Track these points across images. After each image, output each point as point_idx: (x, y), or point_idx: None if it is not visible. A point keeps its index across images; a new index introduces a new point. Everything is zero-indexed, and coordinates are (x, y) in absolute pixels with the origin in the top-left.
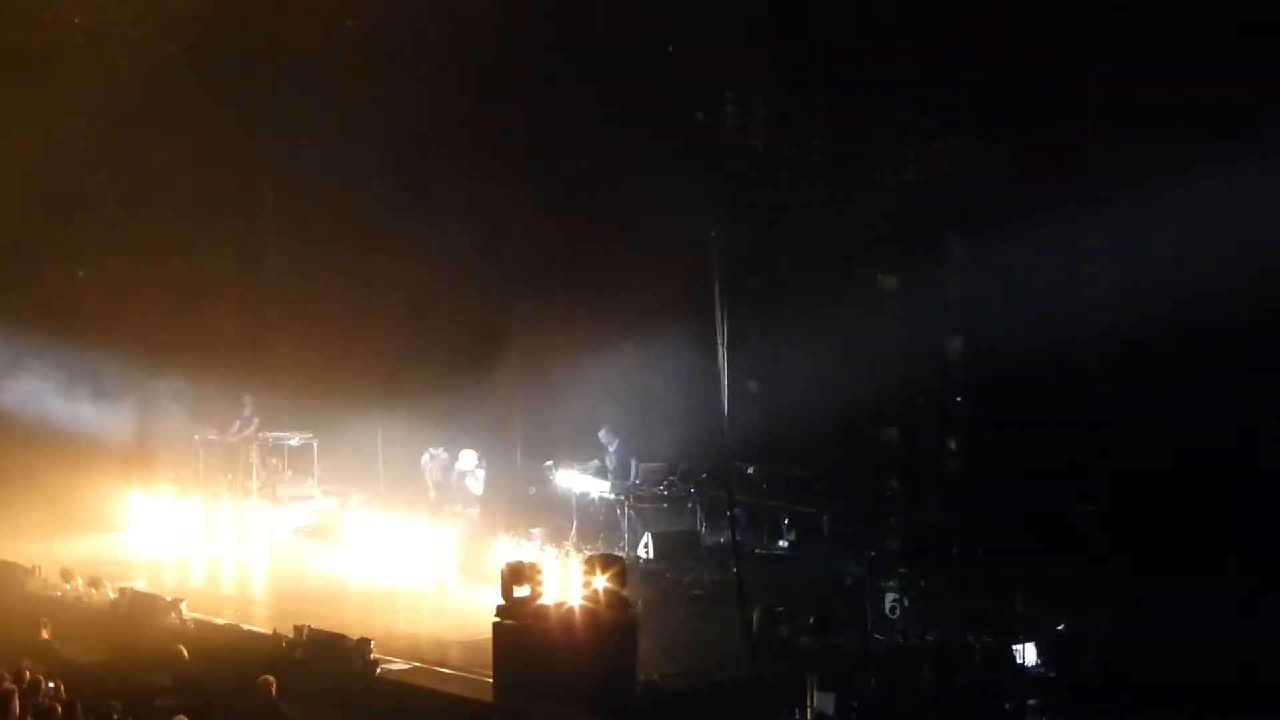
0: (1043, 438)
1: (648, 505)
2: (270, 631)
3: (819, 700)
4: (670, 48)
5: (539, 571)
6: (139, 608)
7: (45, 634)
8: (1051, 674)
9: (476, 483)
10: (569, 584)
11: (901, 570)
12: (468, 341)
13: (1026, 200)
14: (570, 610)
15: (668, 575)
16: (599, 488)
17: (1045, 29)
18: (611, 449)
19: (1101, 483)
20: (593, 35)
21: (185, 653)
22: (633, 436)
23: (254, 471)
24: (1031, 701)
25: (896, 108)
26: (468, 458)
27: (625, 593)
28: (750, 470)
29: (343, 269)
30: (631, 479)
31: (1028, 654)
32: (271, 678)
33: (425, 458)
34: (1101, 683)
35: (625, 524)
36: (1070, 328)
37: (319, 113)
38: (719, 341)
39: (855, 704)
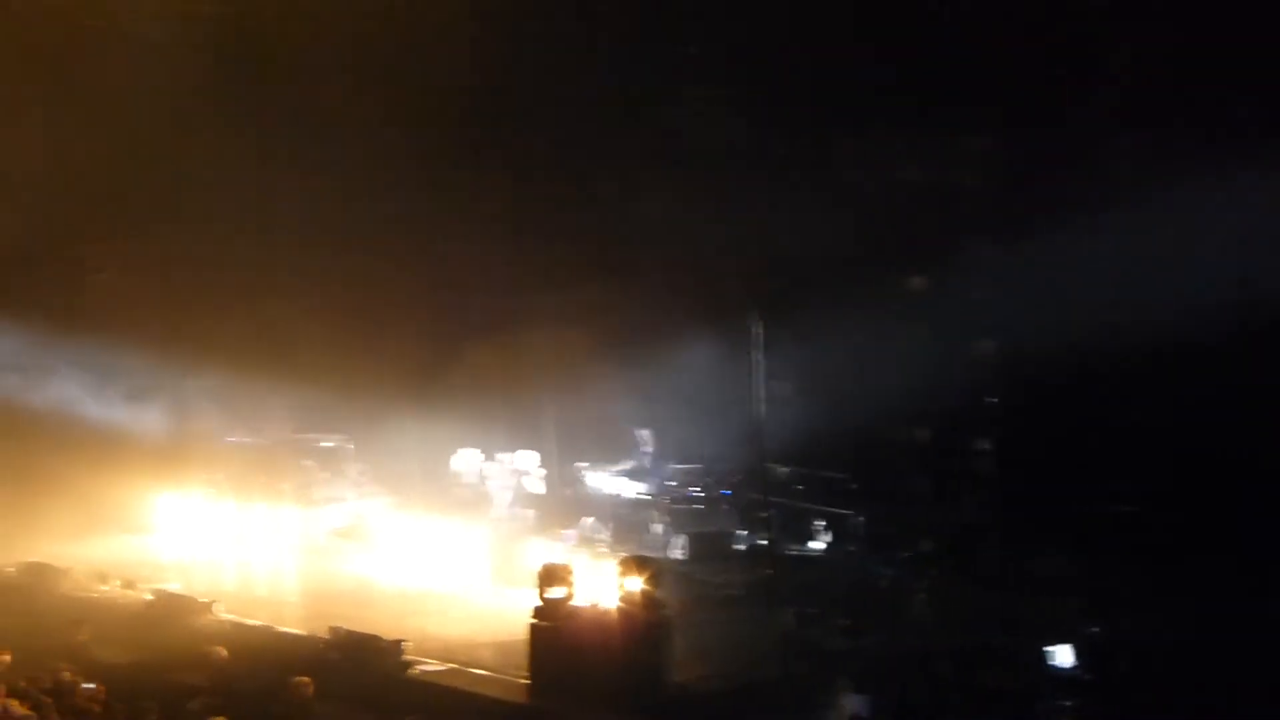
0: (1075, 438)
1: (681, 506)
2: (305, 633)
3: (851, 702)
4: (694, 47)
5: (573, 573)
6: (173, 609)
7: (82, 635)
8: (1085, 676)
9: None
10: (603, 585)
11: (933, 572)
12: (501, 342)
13: (1057, 201)
14: (604, 611)
15: (701, 577)
16: (633, 489)
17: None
18: (648, 450)
19: (1134, 483)
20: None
21: (224, 653)
22: (667, 438)
23: (288, 474)
24: (1065, 703)
25: (926, 107)
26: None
27: (659, 594)
28: (783, 472)
29: (376, 269)
30: (666, 480)
31: (1061, 656)
32: (306, 679)
33: (458, 459)
34: (1135, 685)
35: (659, 525)
36: (1102, 327)
37: (351, 111)
38: (752, 343)
39: (887, 706)
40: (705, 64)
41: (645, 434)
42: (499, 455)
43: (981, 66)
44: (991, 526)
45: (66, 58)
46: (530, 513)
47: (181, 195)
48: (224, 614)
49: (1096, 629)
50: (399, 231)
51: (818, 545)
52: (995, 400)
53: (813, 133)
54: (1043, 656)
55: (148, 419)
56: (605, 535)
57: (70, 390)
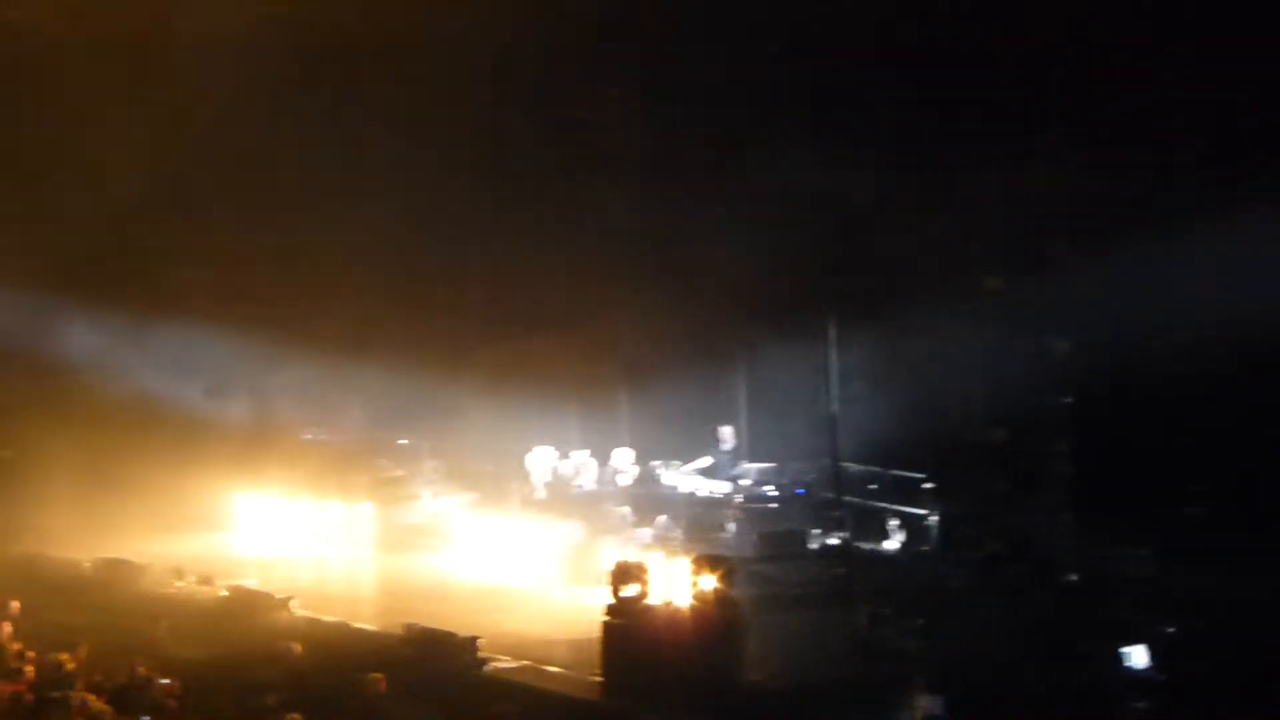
0: (1150, 439)
1: (755, 505)
2: (379, 629)
3: (926, 702)
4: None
5: (646, 571)
6: (249, 605)
7: (158, 631)
8: (1161, 676)
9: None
10: (676, 584)
11: (1008, 572)
12: (574, 339)
13: (1134, 202)
14: (678, 610)
15: (774, 575)
16: (707, 487)
17: (1155, 34)
18: (726, 448)
19: (1210, 484)
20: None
21: (298, 649)
22: (742, 436)
23: (364, 471)
24: (1140, 704)
25: (1004, 108)
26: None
27: (732, 593)
28: (857, 470)
29: (452, 265)
30: (740, 479)
31: (1137, 656)
32: (379, 675)
33: (533, 457)
34: (1211, 686)
35: (733, 524)
36: (1178, 328)
37: (433, 109)
38: (827, 343)
39: (961, 706)
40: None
41: (726, 431)
42: (573, 453)
43: (1059, 63)
44: (1067, 527)
45: (153, 52)
46: (623, 510)
47: (264, 192)
48: (299, 610)
49: (1172, 629)
50: (474, 228)
51: (891, 545)
52: (1071, 400)
53: (889, 130)
54: (1118, 657)
55: (227, 416)
56: (679, 533)
57: (151, 386)
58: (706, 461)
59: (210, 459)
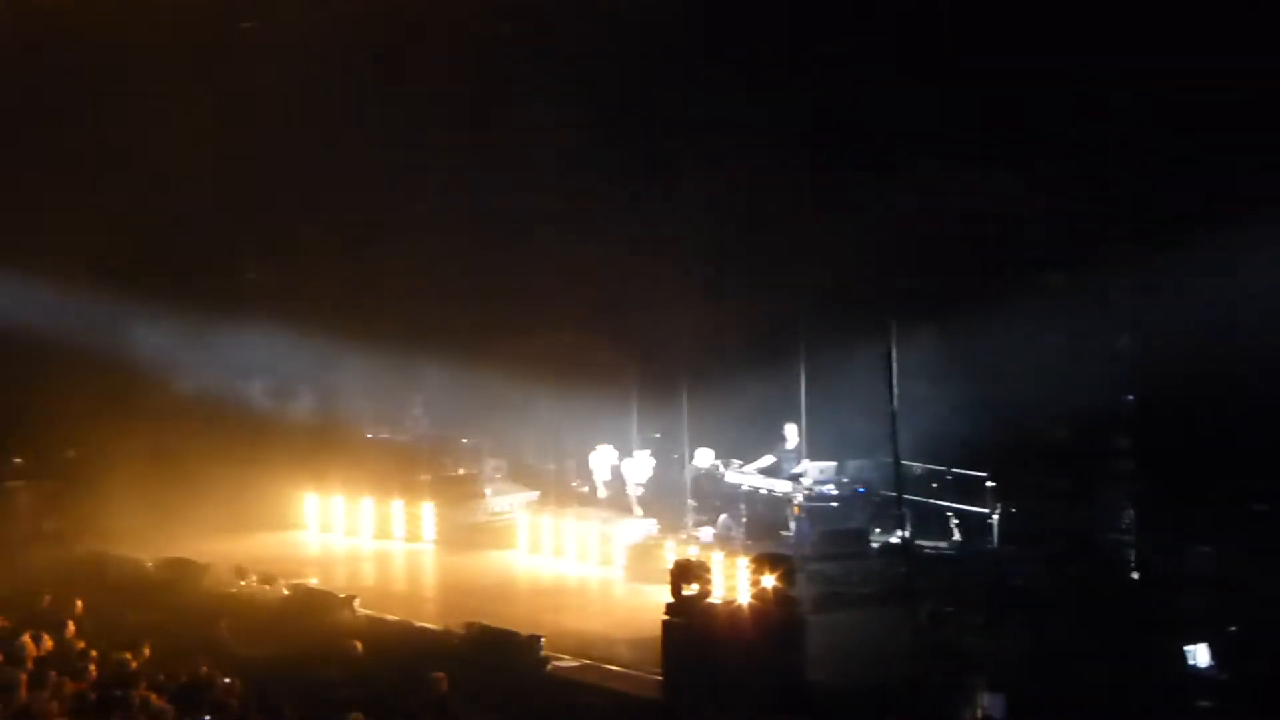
0: (1215, 436)
1: (817, 503)
2: (441, 628)
3: (988, 701)
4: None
5: (707, 570)
6: (311, 604)
7: (220, 630)
8: (1223, 675)
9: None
10: (737, 582)
11: (1071, 570)
12: (635, 338)
13: (1198, 196)
14: (739, 609)
15: (836, 574)
16: (768, 485)
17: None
18: (788, 447)
19: (1276, 481)
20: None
21: (360, 648)
22: (803, 435)
23: (427, 470)
24: (1203, 703)
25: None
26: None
27: (793, 591)
28: (919, 469)
29: (514, 266)
30: (801, 477)
31: (1200, 655)
32: (442, 674)
33: (594, 455)
34: (1275, 684)
35: (794, 522)
36: (1243, 322)
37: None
38: (888, 341)
39: (1025, 706)
40: (873, 58)
41: (790, 429)
42: (635, 451)
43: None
44: (1129, 525)
45: (216, 47)
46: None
47: (330, 193)
48: (361, 609)
49: (1235, 628)
50: (537, 225)
51: (953, 543)
52: (1134, 397)
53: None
54: (1180, 656)
55: (291, 414)
56: (740, 532)
57: (215, 385)
58: (768, 460)
59: (274, 458)
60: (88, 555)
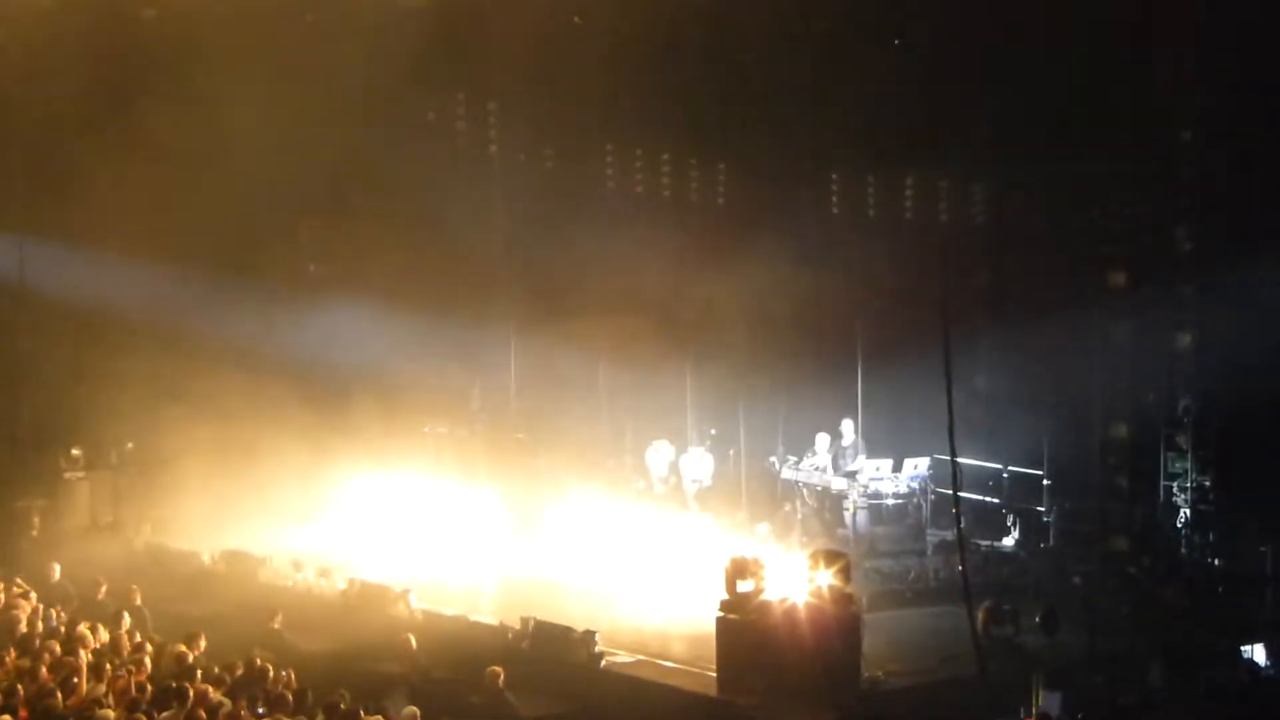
0: (1275, 435)
1: (874, 500)
2: (497, 623)
3: (1045, 699)
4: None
5: (762, 566)
6: (367, 598)
7: (276, 623)
8: None
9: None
10: (793, 579)
11: (1130, 569)
12: (689, 332)
13: (1261, 195)
14: (793, 606)
15: (892, 571)
16: (826, 481)
17: None
18: (845, 443)
19: None
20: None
21: (413, 642)
22: (859, 431)
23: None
24: (1260, 703)
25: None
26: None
27: (849, 589)
28: (976, 467)
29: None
30: (858, 473)
31: (1257, 654)
32: (498, 668)
33: (651, 451)
34: None
35: (850, 519)
36: None
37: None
38: (943, 337)
39: (1082, 704)
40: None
41: (846, 425)
42: (692, 448)
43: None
44: (1188, 524)
45: (295, 43)
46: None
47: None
48: (417, 603)
49: None
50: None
51: (1010, 541)
52: (1193, 396)
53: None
54: (1240, 655)
55: (353, 405)
56: (797, 528)
57: (277, 375)
58: (825, 457)
59: (336, 448)
60: (146, 547)
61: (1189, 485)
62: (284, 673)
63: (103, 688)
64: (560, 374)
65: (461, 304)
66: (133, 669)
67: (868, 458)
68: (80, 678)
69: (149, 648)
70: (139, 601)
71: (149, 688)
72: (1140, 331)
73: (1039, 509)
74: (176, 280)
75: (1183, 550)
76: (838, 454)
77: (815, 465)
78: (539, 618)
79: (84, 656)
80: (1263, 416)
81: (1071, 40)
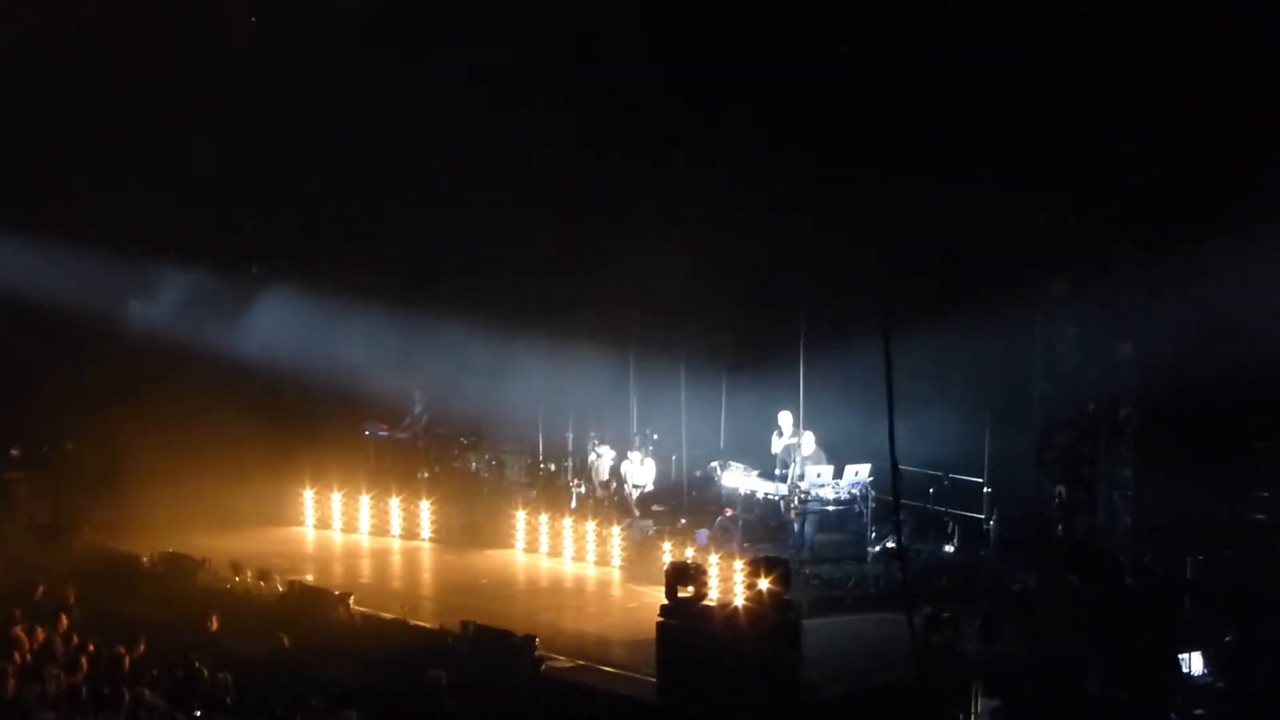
0: (1215, 444)
1: (814, 507)
2: (437, 627)
3: (983, 706)
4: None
5: (703, 572)
6: (307, 601)
7: (215, 626)
8: (1219, 683)
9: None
10: (733, 585)
11: (1069, 577)
12: (634, 341)
13: (1204, 207)
14: (734, 611)
15: (833, 577)
16: (765, 488)
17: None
18: (784, 447)
19: (1275, 490)
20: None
21: (355, 646)
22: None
23: (426, 468)
24: (1198, 711)
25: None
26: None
27: (789, 595)
28: (916, 474)
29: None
30: (799, 480)
31: (1194, 663)
32: (439, 673)
33: (592, 455)
34: (1271, 694)
35: (791, 525)
36: (1244, 334)
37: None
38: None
39: (1021, 710)
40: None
41: (785, 417)
42: (633, 453)
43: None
44: (1129, 532)
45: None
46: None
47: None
48: (357, 607)
49: (1230, 637)
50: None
51: (950, 548)
52: (1134, 405)
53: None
54: (1177, 663)
55: (290, 409)
56: (737, 535)
57: (215, 379)
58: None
59: (270, 453)
60: (84, 548)
61: (1129, 494)
62: (221, 675)
63: (37, 688)
64: (503, 378)
65: (406, 305)
66: (69, 671)
67: (809, 464)
68: (11, 678)
69: (88, 649)
70: (75, 603)
71: (84, 690)
72: (1082, 340)
73: (979, 516)
74: (117, 278)
75: (1121, 558)
76: (780, 460)
77: (756, 470)
78: (479, 622)
79: (19, 658)
80: (1204, 425)
81: (1018, 44)
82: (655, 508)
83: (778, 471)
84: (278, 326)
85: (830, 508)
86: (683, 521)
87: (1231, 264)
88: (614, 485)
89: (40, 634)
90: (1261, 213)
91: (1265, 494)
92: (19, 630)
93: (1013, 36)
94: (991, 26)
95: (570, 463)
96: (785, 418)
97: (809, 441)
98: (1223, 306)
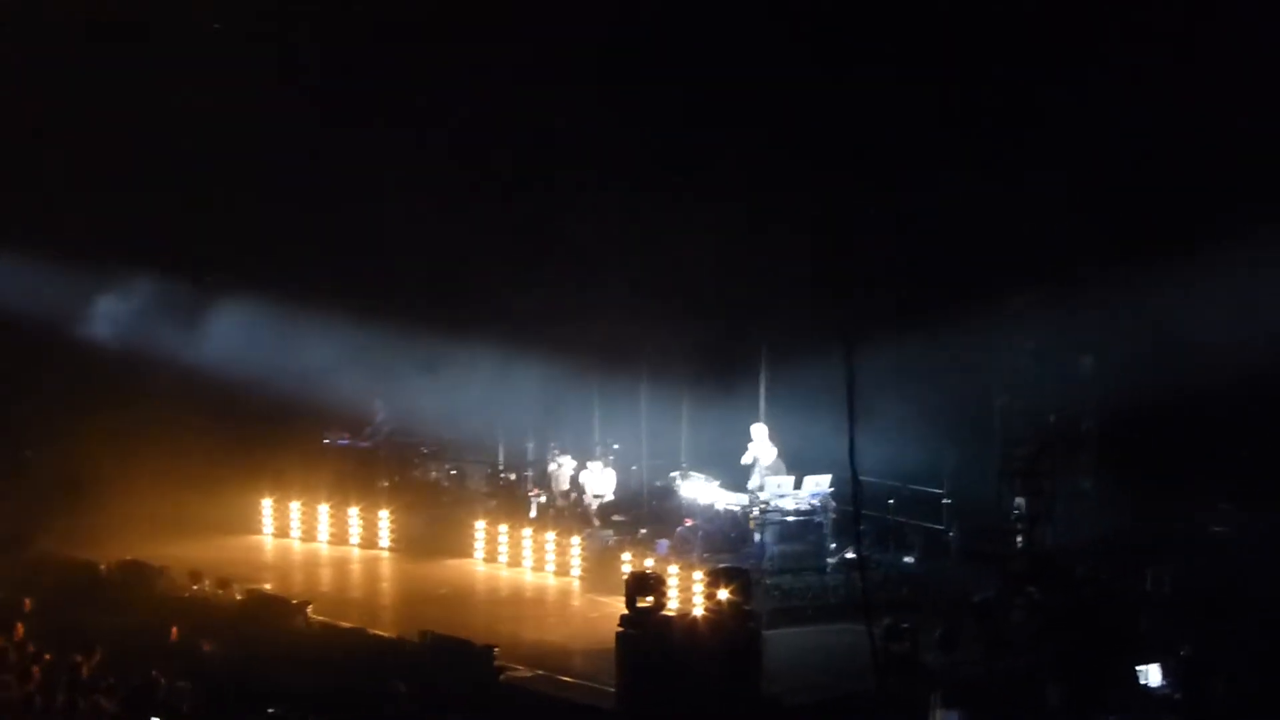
0: (1174, 457)
1: (775, 517)
2: (396, 636)
3: (942, 717)
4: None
5: (663, 582)
6: (266, 610)
7: (174, 635)
8: (1176, 695)
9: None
10: (693, 595)
11: (1028, 589)
12: (596, 349)
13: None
14: (693, 621)
15: (793, 588)
16: (725, 499)
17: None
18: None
19: (1233, 503)
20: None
21: (313, 655)
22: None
23: (386, 476)
24: None
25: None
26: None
27: (749, 605)
28: (877, 485)
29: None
30: (760, 491)
31: (1151, 676)
32: (397, 683)
33: (552, 465)
34: (1229, 706)
35: (752, 536)
36: (1203, 347)
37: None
38: (846, 354)
39: None
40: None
41: (759, 429)
42: (592, 463)
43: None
44: (1088, 544)
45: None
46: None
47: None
48: (316, 616)
49: (1186, 649)
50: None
51: (910, 559)
52: (1094, 417)
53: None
54: (1135, 676)
55: (252, 417)
56: (697, 545)
57: (175, 386)
58: (725, 474)
59: (234, 461)
60: (41, 556)
61: (1089, 505)
62: (180, 684)
63: None
64: (463, 387)
65: (367, 313)
66: (22, 680)
67: (770, 474)
68: None
69: (46, 658)
70: (31, 611)
71: (38, 699)
72: (1042, 352)
73: (940, 527)
74: (76, 286)
75: (1079, 570)
76: (746, 470)
77: (717, 481)
78: (438, 632)
79: None
80: (1163, 438)
81: (982, 57)
82: (615, 518)
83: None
84: (237, 334)
85: (790, 518)
86: (643, 531)
87: (1190, 278)
88: (574, 495)
89: None
90: (1219, 227)
91: (1223, 506)
92: None
93: (976, 50)
94: (954, 40)
95: (530, 472)
96: (758, 429)
97: (771, 453)
98: (1181, 320)
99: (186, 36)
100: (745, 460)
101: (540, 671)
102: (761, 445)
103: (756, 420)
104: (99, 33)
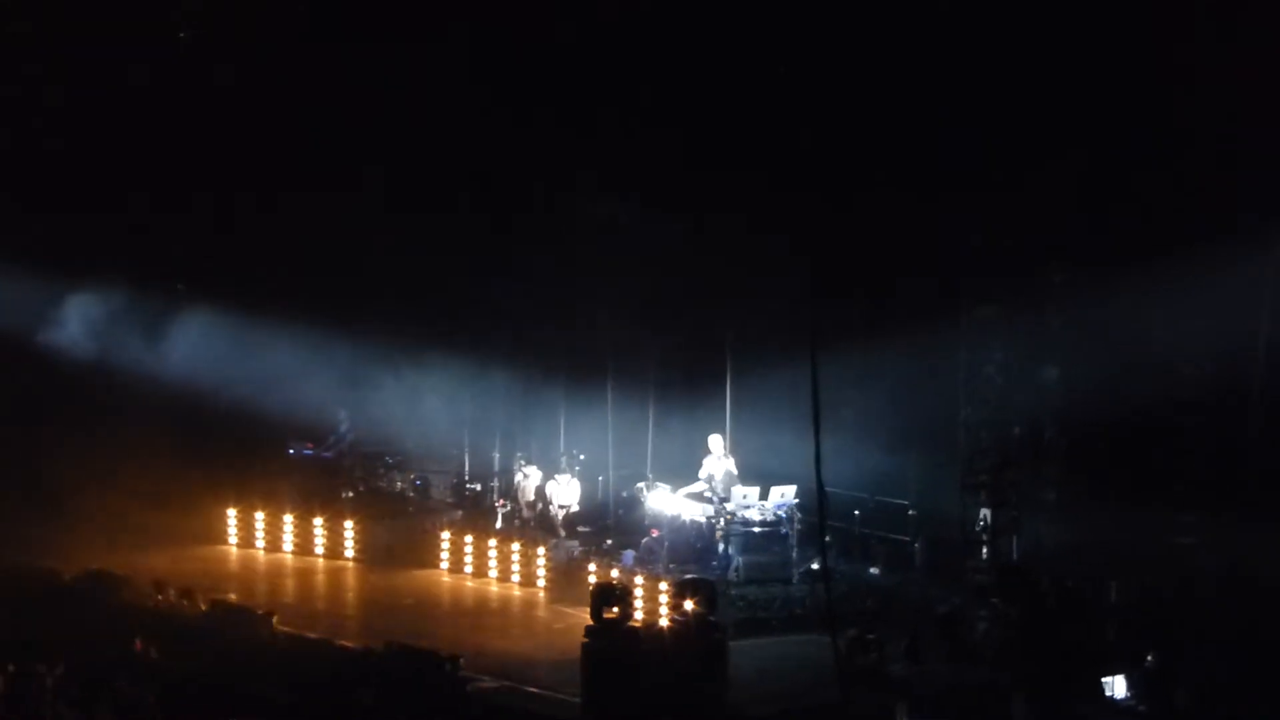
0: (1139, 469)
1: (740, 529)
2: (361, 647)
3: None
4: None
5: (629, 593)
6: (230, 620)
7: (138, 645)
8: (1140, 707)
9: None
10: (658, 606)
11: (994, 600)
12: (559, 359)
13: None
14: (659, 632)
15: (758, 599)
16: (692, 510)
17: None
18: (710, 471)
19: (1197, 515)
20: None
21: (278, 665)
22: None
23: (350, 486)
24: None
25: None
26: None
27: (714, 616)
28: (843, 496)
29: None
30: (726, 502)
31: (1117, 686)
32: (361, 693)
33: (518, 475)
34: (1193, 716)
35: (717, 547)
36: (1168, 359)
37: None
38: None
39: None
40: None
41: (715, 440)
42: (559, 474)
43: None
44: (1053, 555)
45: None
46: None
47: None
48: (281, 626)
49: (1151, 660)
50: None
51: (875, 570)
52: (1059, 429)
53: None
54: (1100, 687)
55: (217, 427)
56: (663, 556)
57: (141, 394)
58: (691, 485)
59: (197, 471)
60: (3, 566)
61: (1053, 517)
62: (143, 694)
63: None
64: (428, 397)
65: (332, 323)
66: None
67: (735, 486)
68: None
69: (9, 669)
70: None
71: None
72: (1007, 363)
73: (905, 538)
74: (34, 295)
75: (1044, 581)
76: (705, 481)
77: (683, 492)
78: (403, 642)
79: None
80: (1129, 450)
81: (948, 66)
82: (581, 528)
83: (705, 494)
84: (200, 344)
85: (756, 529)
86: (608, 542)
87: (1155, 290)
88: (540, 505)
89: None
90: (1186, 240)
91: (1188, 518)
92: None
93: (941, 59)
94: (921, 49)
95: (496, 483)
96: (715, 441)
97: (724, 468)
98: (1147, 332)
99: (155, 38)
100: (701, 475)
101: (505, 682)
102: (717, 460)
103: (720, 431)
104: (62, 38)
